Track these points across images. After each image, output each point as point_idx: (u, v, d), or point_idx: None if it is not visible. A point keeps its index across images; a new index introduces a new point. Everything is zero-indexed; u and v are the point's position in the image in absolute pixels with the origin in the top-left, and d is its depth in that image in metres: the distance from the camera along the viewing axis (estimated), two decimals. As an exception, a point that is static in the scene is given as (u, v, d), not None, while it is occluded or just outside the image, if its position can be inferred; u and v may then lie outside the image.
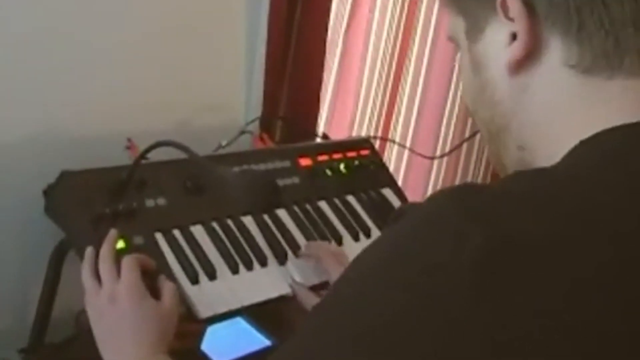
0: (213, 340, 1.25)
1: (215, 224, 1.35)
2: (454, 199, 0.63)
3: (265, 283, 1.32)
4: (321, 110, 1.97)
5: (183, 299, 1.20)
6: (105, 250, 1.16)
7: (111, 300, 1.10)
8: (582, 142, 0.69)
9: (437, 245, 0.60)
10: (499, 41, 0.74)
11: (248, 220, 1.39)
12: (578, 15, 0.69)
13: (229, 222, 1.37)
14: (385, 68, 2.22)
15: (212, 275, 1.26)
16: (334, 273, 1.30)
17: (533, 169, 0.73)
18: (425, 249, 0.61)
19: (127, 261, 1.14)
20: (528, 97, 0.74)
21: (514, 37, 0.72)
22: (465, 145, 2.50)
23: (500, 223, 0.60)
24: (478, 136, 2.51)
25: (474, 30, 0.77)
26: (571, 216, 0.61)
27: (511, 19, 0.72)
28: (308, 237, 1.43)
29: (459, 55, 0.84)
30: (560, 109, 0.73)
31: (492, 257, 0.58)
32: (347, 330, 0.62)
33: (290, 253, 1.38)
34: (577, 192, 0.63)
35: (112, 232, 1.19)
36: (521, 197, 0.63)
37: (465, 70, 0.81)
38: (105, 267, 1.14)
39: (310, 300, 1.28)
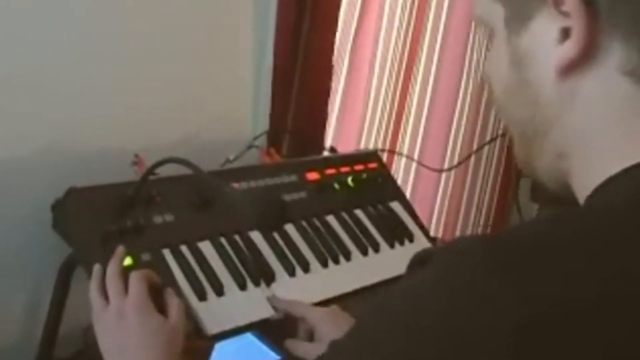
0: (222, 356, 1.24)
1: (222, 240, 1.34)
2: (484, 255, 0.58)
3: (273, 298, 1.31)
4: (329, 124, 1.97)
5: (191, 316, 1.19)
6: (112, 267, 1.15)
7: (118, 317, 1.10)
8: (627, 170, 0.63)
9: (469, 310, 0.55)
10: (547, 37, 0.66)
11: (256, 236, 1.38)
12: None
13: (237, 237, 1.36)
14: (393, 81, 2.22)
15: (219, 291, 1.26)
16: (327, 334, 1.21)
17: (569, 211, 0.64)
18: (455, 313, 0.56)
19: (134, 277, 1.13)
20: (576, 102, 0.67)
21: (566, 33, 0.65)
22: (473, 158, 2.49)
23: (536, 287, 0.55)
24: (486, 149, 2.51)
25: (517, 21, 0.69)
26: (611, 277, 0.56)
27: (565, 13, 0.64)
28: (316, 252, 1.43)
29: (493, 41, 0.74)
30: (609, 120, 0.66)
31: (527, 327, 0.54)
32: None
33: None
34: (621, 247, 0.58)
35: (120, 249, 1.19)
36: (556, 254, 0.57)
37: (501, 62, 0.73)
38: (112, 284, 1.13)
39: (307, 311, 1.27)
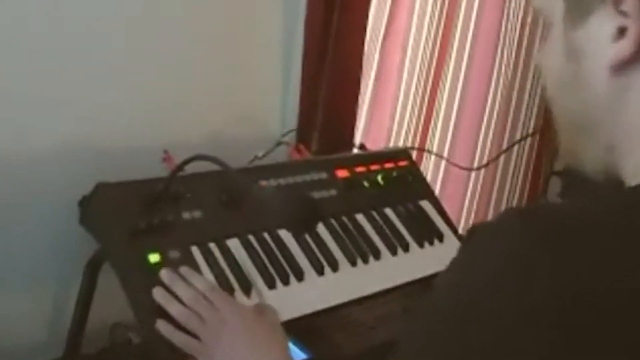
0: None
1: (251, 237, 1.33)
2: (522, 228, 0.59)
3: (302, 298, 1.30)
4: (358, 121, 1.95)
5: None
6: (186, 291, 1.15)
7: (224, 326, 1.11)
8: None
9: (507, 283, 0.57)
10: (603, 34, 0.67)
11: (284, 234, 1.36)
12: None
13: (266, 235, 1.35)
14: (423, 78, 2.20)
15: (247, 290, 1.25)
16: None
17: (621, 190, 0.67)
18: (495, 287, 0.58)
19: (213, 289, 1.16)
20: (628, 98, 0.68)
21: (622, 32, 0.66)
22: (502, 157, 2.47)
23: (573, 262, 0.56)
24: (516, 147, 2.48)
25: (575, 16, 0.70)
26: None
27: (623, 13, 0.65)
28: (345, 251, 1.41)
29: (551, 33, 0.75)
30: None
31: (567, 301, 0.55)
32: None
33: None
34: None
35: (171, 274, 1.18)
36: (594, 230, 0.58)
37: (555, 54, 0.74)
38: (201, 304, 1.13)
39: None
